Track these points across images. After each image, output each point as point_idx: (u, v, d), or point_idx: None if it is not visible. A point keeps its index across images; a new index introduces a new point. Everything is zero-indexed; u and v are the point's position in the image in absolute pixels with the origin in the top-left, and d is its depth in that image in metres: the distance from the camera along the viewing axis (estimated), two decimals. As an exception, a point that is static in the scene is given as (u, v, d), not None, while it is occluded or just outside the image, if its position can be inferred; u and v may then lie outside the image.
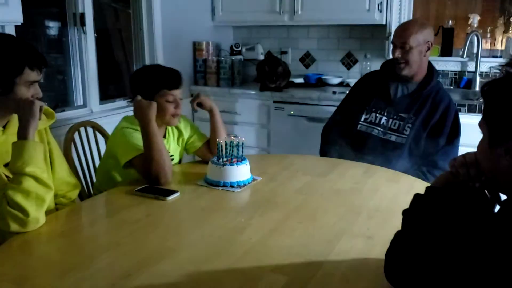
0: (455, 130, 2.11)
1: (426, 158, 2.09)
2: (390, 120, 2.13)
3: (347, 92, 2.42)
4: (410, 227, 0.98)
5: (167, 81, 1.82)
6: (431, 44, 2.12)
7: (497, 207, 0.97)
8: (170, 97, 1.81)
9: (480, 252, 0.81)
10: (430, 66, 2.19)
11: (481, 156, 0.94)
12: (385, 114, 2.15)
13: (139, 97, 1.74)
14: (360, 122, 2.18)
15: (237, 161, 1.70)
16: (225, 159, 1.71)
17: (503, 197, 0.97)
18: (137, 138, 1.76)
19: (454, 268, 0.83)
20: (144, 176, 1.70)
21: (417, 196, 1.02)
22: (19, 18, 2.11)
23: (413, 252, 0.92)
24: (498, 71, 0.86)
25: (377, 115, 2.15)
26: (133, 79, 1.91)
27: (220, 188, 1.66)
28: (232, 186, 1.66)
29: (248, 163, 1.73)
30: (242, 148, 1.74)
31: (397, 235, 1.00)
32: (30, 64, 1.35)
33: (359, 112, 2.20)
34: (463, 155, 1.01)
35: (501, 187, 0.93)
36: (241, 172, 1.69)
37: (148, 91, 1.80)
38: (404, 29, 2.11)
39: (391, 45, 2.17)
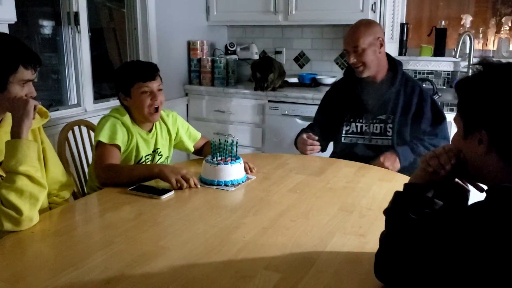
0: (438, 114, 2.07)
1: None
2: (371, 125, 2.11)
3: (319, 106, 2.35)
4: (394, 225, 1.00)
5: (140, 73, 1.86)
6: (383, 40, 2.09)
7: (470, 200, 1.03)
8: (145, 88, 1.85)
9: (458, 244, 0.82)
10: (391, 60, 2.15)
11: (457, 148, 0.99)
12: (364, 121, 2.12)
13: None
14: (343, 135, 2.15)
15: (231, 160, 1.71)
16: (219, 158, 1.71)
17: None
18: (115, 128, 1.80)
19: (441, 262, 0.84)
20: (95, 165, 1.78)
21: (397, 193, 1.06)
22: (12, 17, 2.11)
23: (400, 250, 0.94)
24: (473, 67, 0.95)
25: (357, 124, 2.13)
26: (113, 76, 1.98)
27: (214, 187, 1.66)
28: (226, 185, 1.67)
29: (242, 162, 1.74)
30: (236, 147, 1.75)
31: (383, 235, 1.02)
32: (24, 62, 1.35)
33: (339, 125, 2.17)
34: (433, 150, 1.06)
35: (477, 176, 0.98)
36: (235, 171, 1.70)
37: (124, 85, 1.87)
38: (352, 33, 2.07)
39: (345, 52, 2.12)
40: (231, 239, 1.26)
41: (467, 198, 1.06)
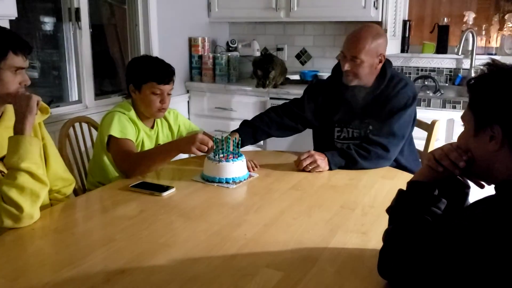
0: (402, 105, 1.92)
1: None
2: (361, 130, 2.01)
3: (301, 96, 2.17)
4: (400, 223, 1.00)
5: (157, 74, 1.86)
6: (383, 57, 1.93)
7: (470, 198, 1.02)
8: (157, 90, 1.86)
9: (466, 240, 0.81)
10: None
11: (465, 146, 0.98)
12: (355, 126, 2.02)
13: None
14: (335, 140, 2.07)
15: (233, 157, 1.70)
16: (221, 155, 1.71)
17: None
18: (123, 123, 1.81)
19: (449, 259, 0.83)
20: (115, 161, 1.79)
21: (401, 191, 1.05)
22: (13, 12, 2.09)
23: (407, 248, 0.93)
24: (483, 68, 0.94)
25: (348, 129, 2.04)
26: (129, 65, 1.98)
27: (216, 184, 1.66)
28: (227, 183, 1.66)
29: (244, 160, 1.73)
30: (239, 144, 1.75)
31: (387, 233, 1.01)
32: (14, 48, 1.34)
33: (329, 126, 2.07)
34: (440, 148, 1.03)
35: (485, 173, 0.96)
36: (237, 168, 1.69)
37: (138, 79, 1.87)
38: (356, 40, 1.89)
39: (341, 54, 1.95)
40: (232, 236, 1.25)
41: (467, 195, 1.05)
